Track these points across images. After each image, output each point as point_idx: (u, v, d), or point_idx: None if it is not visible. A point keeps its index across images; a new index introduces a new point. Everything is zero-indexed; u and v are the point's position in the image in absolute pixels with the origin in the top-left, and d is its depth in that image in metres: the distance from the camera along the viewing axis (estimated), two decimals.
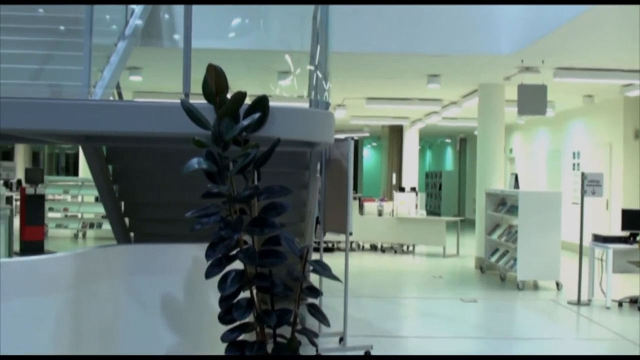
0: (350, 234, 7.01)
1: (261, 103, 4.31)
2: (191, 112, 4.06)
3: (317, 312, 4.27)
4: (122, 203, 7.81)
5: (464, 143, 31.96)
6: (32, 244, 14.84)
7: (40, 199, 15.08)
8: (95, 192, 19.88)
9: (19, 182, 21.76)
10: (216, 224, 4.16)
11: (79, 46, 7.46)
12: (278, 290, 4.17)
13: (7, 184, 20.84)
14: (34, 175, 15.34)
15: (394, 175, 22.75)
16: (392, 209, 17.44)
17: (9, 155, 31.54)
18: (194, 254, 4.95)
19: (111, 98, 7.38)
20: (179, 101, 4.53)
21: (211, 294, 5.02)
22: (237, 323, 4.16)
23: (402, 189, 18.96)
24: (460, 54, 11.24)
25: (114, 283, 4.72)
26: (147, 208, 7.80)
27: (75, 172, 27.28)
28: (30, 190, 14.95)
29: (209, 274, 4.11)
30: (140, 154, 7.01)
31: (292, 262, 4.25)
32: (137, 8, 8.46)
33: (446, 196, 33.30)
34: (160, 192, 7.33)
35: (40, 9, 8.70)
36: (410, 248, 17.74)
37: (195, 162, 4.07)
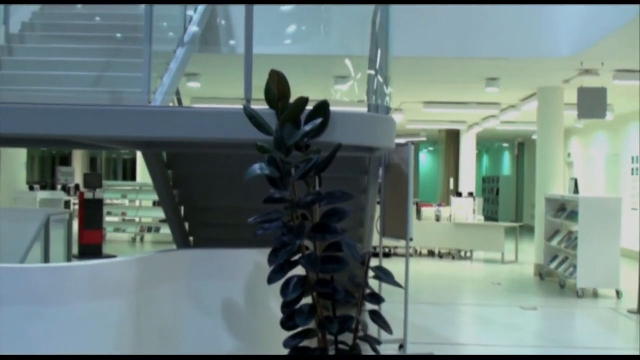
0: (411, 239, 6.95)
1: (322, 108, 4.28)
2: (254, 118, 4.05)
3: (379, 319, 4.23)
4: (182, 208, 7.87)
5: (522, 147, 31.59)
6: (91, 248, 15.06)
7: (99, 203, 15.29)
8: (153, 197, 20.20)
9: (76, 186, 22.12)
10: (278, 229, 4.14)
11: (138, 53, 7.53)
12: (340, 297, 4.14)
13: (65, 189, 21.19)
14: (93, 180, 15.56)
15: (452, 180, 22.58)
16: (450, 214, 17.28)
17: (66, 161, 32.06)
18: (255, 259, 4.95)
19: (171, 105, 7.43)
20: (239, 107, 4.53)
21: (272, 300, 5.01)
22: (299, 329, 4.14)
23: (459, 194, 18.79)
24: (519, 57, 11.10)
25: (175, 287, 4.74)
26: (207, 213, 7.84)
27: (132, 177, 27.64)
28: (89, 194, 15.16)
29: (271, 280, 4.09)
30: (200, 159, 7.04)
31: (352, 268, 4.22)
32: (195, 15, 8.52)
33: (504, 201, 32.92)
34: (220, 197, 7.36)
35: (97, 17, 8.82)
36: (468, 254, 17.56)
37: (258, 168, 4.06)
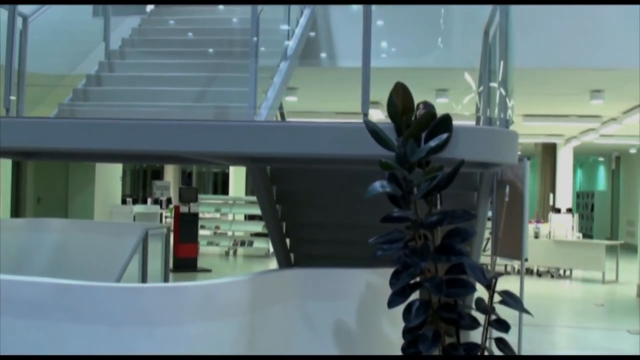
0: (526, 260, 6.65)
1: (445, 122, 4.06)
2: (376, 134, 3.86)
3: (505, 348, 3.98)
4: (284, 223, 7.73)
5: (618, 161, 30.63)
6: (186, 261, 15.13)
7: (194, 217, 15.35)
8: (246, 210, 20.30)
9: (168, 200, 22.34)
10: (398, 250, 3.94)
11: (239, 67, 7.46)
12: (465, 322, 3.91)
13: (158, 202, 21.41)
14: (188, 194, 15.64)
15: (551, 196, 21.99)
16: (549, 230, 16.76)
17: (158, 174, 32.46)
18: (367, 279, 4.77)
19: (274, 119, 7.33)
20: (356, 122, 4.37)
21: (384, 322, 4.82)
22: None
23: (557, 210, 18.25)
24: (627, 68, 10.65)
25: (286, 307, 4.58)
26: (309, 229, 7.69)
27: (223, 191, 27.81)
28: (184, 208, 15.24)
29: (391, 303, 3.88)
30: (304, 173, 6.89)
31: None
32: (297, 28, 8.41)
33: (598, 217, 31.97)
34: (323, 213, 7.20)
35: (190, 33, 8.79)
36: (567, 272, 17.00)
37: (379, 186, 3.86)
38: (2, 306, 3.64)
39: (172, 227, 15.81)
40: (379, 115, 14.90)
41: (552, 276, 16.73)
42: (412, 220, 3.89)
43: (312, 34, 9.31)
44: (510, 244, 6.89)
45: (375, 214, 5.72)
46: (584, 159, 36.46)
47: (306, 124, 4.71)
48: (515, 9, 5.33)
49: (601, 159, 33.47)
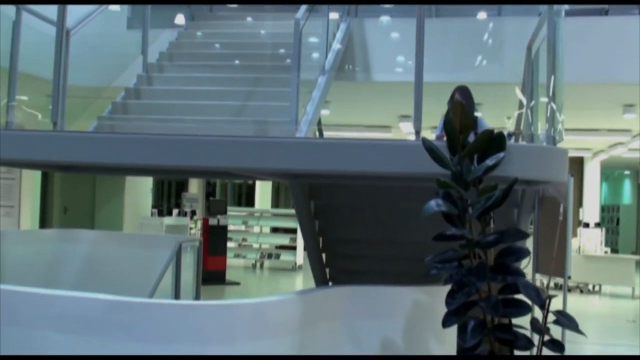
0: (569, 277, 6.59)
1: (499, 140, 4.03)
2: (433, 152, 3.83)
3: None
4: (321, 238, 7.70)
5: None
6: (214, 274, 15.11)
7: (223, 229, 15.35)
8: (273, 223, 20.30)
9: (192, 212, 22.32)
10: (452, 269, 3.90)
11: (278, 82, 7.47)
12: (521, 343, 3.86)
13: (183, 214, 21.40)
14: (217, 207, 15.65)
15: (581, 210, 21.84)
16: (578, 245, 16.63)
17: (183, 186, 32.46)
18: (414, 297, 4.72)
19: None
20: (409, 140, 4.35)
21: (431, 341, 4.78)
22: None
23: (586, 225, 18.11)
24: None
25: (334, 326, 4.55)
26: (345, 244, 7.64)
27: (247, 203, 27.78)
28: (213, 220, 15.24)
29: (446, 323, 3.85)
30: (342, 189, 6.86)
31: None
32: (334, 43, 8.42)
33: (624, 231, 31.70)
34: (360, 228, 7.15)
35: (217, 45, 8.81)
36: (596, 288, 16.85)
37: (435, 204, 3.83)
38: (54, 322, 3.63)
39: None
40: (408, 128, 14.87)
41: (582, 291, 16.58)
42: (468, 239, 3.85)
43: (360, 50, 9.36)
44: (553, 261, 6.82)
45: (415, 230, 5.71)
46: (609, 172, 36.18)
47: (355, 141, 4.68)
48: (563, 23, 5.30)
49: (627, 172, 33.20)
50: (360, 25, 9.82)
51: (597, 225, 18.11)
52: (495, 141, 4.02)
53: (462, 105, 3.82)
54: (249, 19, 9.90)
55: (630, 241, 31.10)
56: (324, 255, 7.93)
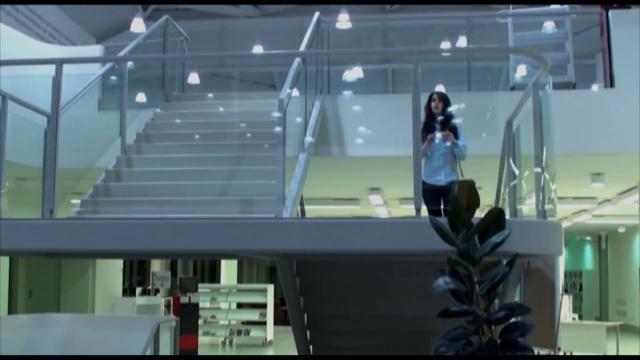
0: (559, 349, 6.61)
1: (499, 217, 4.10)
2: (441, 230, 3.88)
3: None
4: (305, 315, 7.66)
5: (606, 240, 30.73)
6: (187, 353, 14.88)
7: (195, 307, 15.17)
8: (241, 299, 20.13)
9: (156, 290, 21.92)
10: (461, 347, 3.92)
11: (261, 160, 7.50)
12: None
13: (146, 291, 21.05)
14: (188, 284, 15.50)
15: None
16: None
17: (145, 263, 31.94)
18: None
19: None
20: (409, 218, 4.39)
21: None
22: None
23: None
24: (629, 152, 10.80)
25: None
26: (333, 320, 7.61)
27: (211, 278, 27.45)
28: (184, 299, 15.08)
29: None
30: (332, 264, 6.86)
31: None
32: (311, 120, 8.50)
33: (587, 297, 31.88)
34: (349, 304, 7.13)
35: (192, 123, 8.84)
36: (568, 354, 16.87)
37: (443, 282, 3.86)
38: None
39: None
40: (378, 200, 14.99)
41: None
42: (478, 316, 3.88)
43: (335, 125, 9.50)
44: (541, 332, 6.83)
45: (406, 304, 5.73)
46: (571, 239, 36.59)
47: (356, 220, 4.73)
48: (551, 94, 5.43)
49: (588, 237, 33.59)
50: (333, 102, 9.97)
51: (565, 291, 18.24)
52: (497, 217, 4.09)
53: (469, 186, 3.89)
54: (223, 99, 10.00)
55: (594, 307, 31.28)
56: (307, 332, 7.89)
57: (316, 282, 7.25)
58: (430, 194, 7.37)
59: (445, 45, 12.79)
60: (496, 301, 4.77)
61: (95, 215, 6.74)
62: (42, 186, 6.18)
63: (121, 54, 8.78)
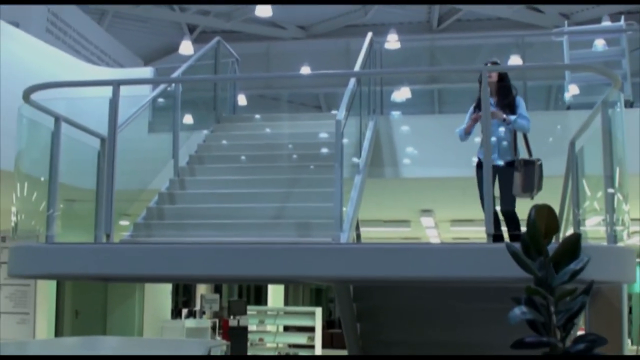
0: None
1: (576, 243, 3.90)
2: (517, 257, 3.70)
3: None
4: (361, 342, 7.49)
5: None
6: None
7: (244, 330, 15.06)
8: (288, 322, 19.93)
9: (202, 312, 21.85)
10: None
11: (317, 182, 7.37)
12: None
13: (192, 313, 20.97)
14: (237, 307, 15.39)
15: None
16: None
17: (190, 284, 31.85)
18: None
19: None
20: (479, 243, 4.23)
21: None
22: None
23: None
24: None
25: None
26: (391, 347, 7.43)
27: (256, 300, 27.32)
28: (233, 321, 14.97)
29: None
30: (391, 290, 6.68)
31: None
32: (365, 141, 8.36)
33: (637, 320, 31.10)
34: (410, 331, 6.94)
35: (244, 144, 8.74)
36: None
37: (519, 312, 3.67)
38: None
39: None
40: (429, 222, 14.75)
41: None
42: (556, 348, 3.68)
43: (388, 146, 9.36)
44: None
45: (471, 331, 5.51)
46: None
47: (426, 246, 4.57)
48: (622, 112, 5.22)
49: (638, 259, 32.83)
50: (386, 122, 9.83)
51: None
52: (574, 243, 3.90)
53: (548, 209, 3.71)
54: (273, 120, 9.92)
55: None
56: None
57: (375, 307, 7.07)
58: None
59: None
60: None
61: (151, 239, 6.65)
62: (95, 209, 6.14)
63: (174, 75, 8.74)
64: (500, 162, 7.06)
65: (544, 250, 3.71)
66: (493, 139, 6.93)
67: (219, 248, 5.41)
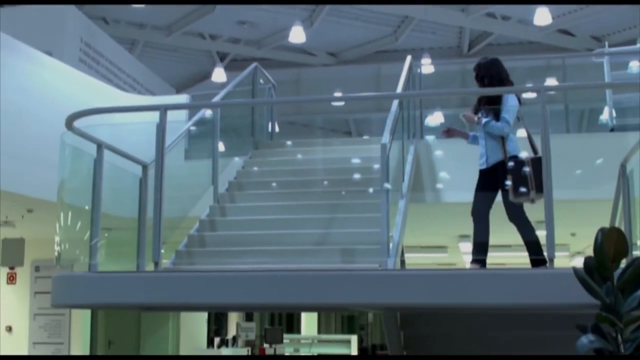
0: None
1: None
2: (586, 283, 3.55)
3: None
4: None
5: None
6: None
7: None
8: (323, 350, 19.72)
9: (234, 339, 21.67)
10: None
11: (360, 207, 7.25)
12: None
13: (224, 342, 20.77)
14: (273, 335, 15.25)
15: None
16: None
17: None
18: None
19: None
20: (542, 270, 4.08)
21: None
22: None
23: None
24: None
25: None
26: None
27: (288, 327, 27.12)
28: (269, 350, 14.83)
29: None
30: (440, 317, 6.53)
31: None
32: (407, 166, 8.24)
33: None
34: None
35: (284, 170, 8.65)
36: None
37: (587, 341, 3.52)
38: None
39: None
40: (467, 248, 14.54)
41: None
42: None
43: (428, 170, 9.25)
44: None
45: None
46: None
47: (475, 272, 4.45)
48: None
49: None
50: (426, 147, 9.71)
51: None
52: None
53: (618, 232, 3.56)
54: (310, 145, 9.83)
55: None
56: None
57: (423, 336, 6.92)
58: (479, 179, 6.81)
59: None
60: None
61: (194, 267, 6.56)
62: (138, 237, 6.06)
63: (215, 99, 8.72)
64: (485, 166, 6.78)
65: (611, 276, 3.56)
66: (482, 142, 6.81)
67: (263, 275, 5.32)
